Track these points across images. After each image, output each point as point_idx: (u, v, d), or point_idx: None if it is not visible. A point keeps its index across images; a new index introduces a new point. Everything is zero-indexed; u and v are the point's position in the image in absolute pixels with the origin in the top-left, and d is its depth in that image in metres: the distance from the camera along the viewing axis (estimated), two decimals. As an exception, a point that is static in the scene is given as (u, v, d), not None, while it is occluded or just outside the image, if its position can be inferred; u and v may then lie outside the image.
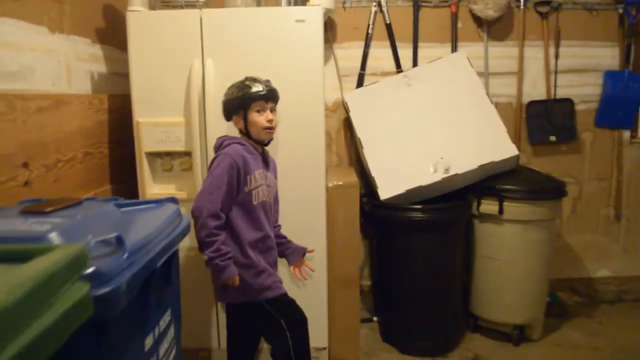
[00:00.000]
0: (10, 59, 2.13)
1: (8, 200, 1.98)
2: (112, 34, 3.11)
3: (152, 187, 2.85)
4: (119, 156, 3.04)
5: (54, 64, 2.49)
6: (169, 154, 2.84)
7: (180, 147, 2.77)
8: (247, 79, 2.25)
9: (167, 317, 1.59)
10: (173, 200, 1.84)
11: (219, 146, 2.26)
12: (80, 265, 0.98)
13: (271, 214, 2.40)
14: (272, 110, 2.27)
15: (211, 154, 2.62)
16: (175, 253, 1.66)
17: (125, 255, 1.22)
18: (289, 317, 2.26)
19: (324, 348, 2.97)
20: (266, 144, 2.34)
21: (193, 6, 2.88)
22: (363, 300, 3.51)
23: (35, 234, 1.23)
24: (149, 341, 1.42)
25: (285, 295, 2.31)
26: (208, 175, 2.15)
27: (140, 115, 2.74)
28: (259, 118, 2.22)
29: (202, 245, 2.08)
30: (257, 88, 2.21)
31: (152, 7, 2.95)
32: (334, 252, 2.97)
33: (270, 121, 2.24)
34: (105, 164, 2.94)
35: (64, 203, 1.51)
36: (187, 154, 2.79)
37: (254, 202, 2.22)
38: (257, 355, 2.63)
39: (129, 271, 1.20)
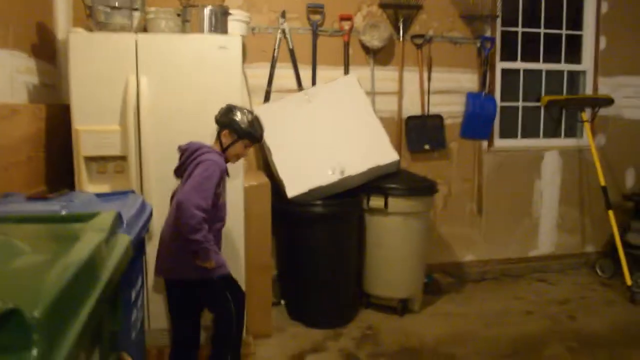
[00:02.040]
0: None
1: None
2: (44, 49, 3.43)
3: (88, 187, 3.18)
4: (54, 160, 3.36)
5: (2, 76, 2.83)
6: (104, 158, 3.21)
7: (115, 152, 3.16)
8: (258, 120, 2.74)
9: (140, 280, 2.06)
10: (132, 192, 2.30)
11: (196, 150, 2.65)
12: (118, 223, 1.46)
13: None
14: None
15: (145, 159, 3.11)
16: (148, 230, 2.13)
17: (124, 225, 1.69)
18: (234, 292, 2.76)
19: (243, 324, 3.47)
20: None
21: (127, 30, 3.27)
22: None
23: (55, 211, 1.67)
24: (134, 294, 1.89)
25: (230, 274, 2.79)
26: (197, 175, 2.52)
27: (79, 123, 3.10)
28: (242, 150, 2.76)
29: (192, 230, 2.42)
30: (260, 133, 2.75)
31: (88, 28, 3.32)
32: (250, 242, 3.47)
33: (244, 156, 2.83)
34: (42, 167, 3.26)
35: (54, 193, 1.94)
36: (121, 158, 3.19)
37: (221, 201, 2.72)
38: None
39: (130, 236, 1.67)
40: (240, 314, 2.77)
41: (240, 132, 2.69)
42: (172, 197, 2.79)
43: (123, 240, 1.39)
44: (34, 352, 0.80)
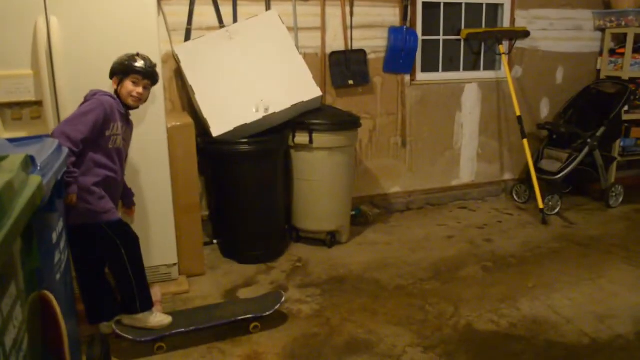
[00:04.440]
0: None
1: None
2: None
3: (4, 134, 3.09)
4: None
5: None
6: (19, 104, 3.10)
7: (29, 97, 3.06)
8: (138, 54, 2.72)
9: (61, 223, 2.06)
10: (47, 136, 2.26)
11: (92, 95, 2.66)
12: (28, 165, 1.45)
13: (124, 161, 2.87)
14: (146, 87, 2.78)
15: (63, 103, 3.02)
16: (64, 174, 2.11)
17: (39, 168, 1.68)
18: (123, 236, 2.75)
19: (175, 264, 3.53)
20: (130, 108, 2.82)
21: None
22: (203, 227, 4.06)
23: (-36, 156, 1.64)
24: (54, 235, 1.89)
25: (120, 220, 2.79)
26: (75, 111, 2.57)
27: (-12, 69, 2.97)
28: (130, 87, 2.72)
29: None
30: (139, 64, 2.70)
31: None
32: (177, 183, 3.49)
33: (138, 94, 2.74)
34: (-49, 116, 3.11)
35: (-37, 138, 1.88)
36: (37, 103, 3.09)
37: (110, 146, 2.70)
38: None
39: (44, 179, 1.67)
40: (134, 258, 2.77)
41: (118, 69, 2.73)
42: None
43: (34, 181, 1.40)
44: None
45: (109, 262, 2.83)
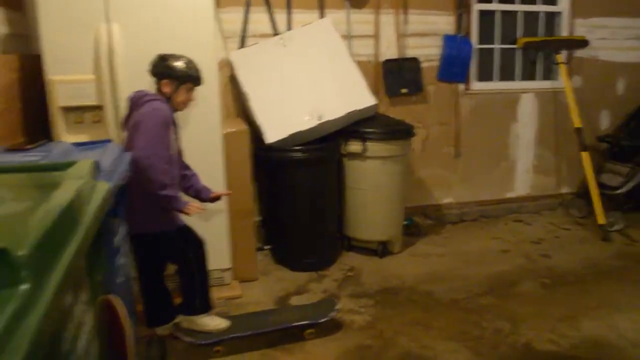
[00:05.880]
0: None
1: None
2: (11, -2, 3.32)
3: (67, 138, 3.15)
4: (30, 112, 3.30)
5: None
6: (81, 108, 3.17)
7: (91, 102, 3.13)
8: (192, 62, 2.71)
9: (123, 227, 2.07)
10: (109, 141, 2.29)
11: (139, 98, 2.65)
12: (96, 171, 1.46)
13: (177, 162, 2.87)
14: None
15: (122, 107, 3.06)
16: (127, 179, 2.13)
17: (103, 173, 1.70)
18: (188, 241, 2.80)
19: (229, 269, 3.54)
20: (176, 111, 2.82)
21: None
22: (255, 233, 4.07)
23: (34, 161, 1.67)
24: (117, 240, 1.91)
25: (185, 225, 2.83)
26: (141, 126, 2.54)
27: (52, 74, 3.04)
28: (185, 95, 2.73)
29: (164, 186, 2.52)
30: (196, 74, 2.71)
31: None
32: (231, 188, 3.48)
33: (190, 101, 2.78)
34: (19, 118, 3.20)
35: (31, 144, 1.92)
36: (98, 107, 3.15)
37: (171, 152, 2.70)
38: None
39: (110, 184, 1.68)
40: (199, 261, 2.81)
41: (180, 77, 2.69)
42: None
43: (102, 187, 1.40)
44: (24, 286, 0.84)
45: (178, 264, 2.86)
